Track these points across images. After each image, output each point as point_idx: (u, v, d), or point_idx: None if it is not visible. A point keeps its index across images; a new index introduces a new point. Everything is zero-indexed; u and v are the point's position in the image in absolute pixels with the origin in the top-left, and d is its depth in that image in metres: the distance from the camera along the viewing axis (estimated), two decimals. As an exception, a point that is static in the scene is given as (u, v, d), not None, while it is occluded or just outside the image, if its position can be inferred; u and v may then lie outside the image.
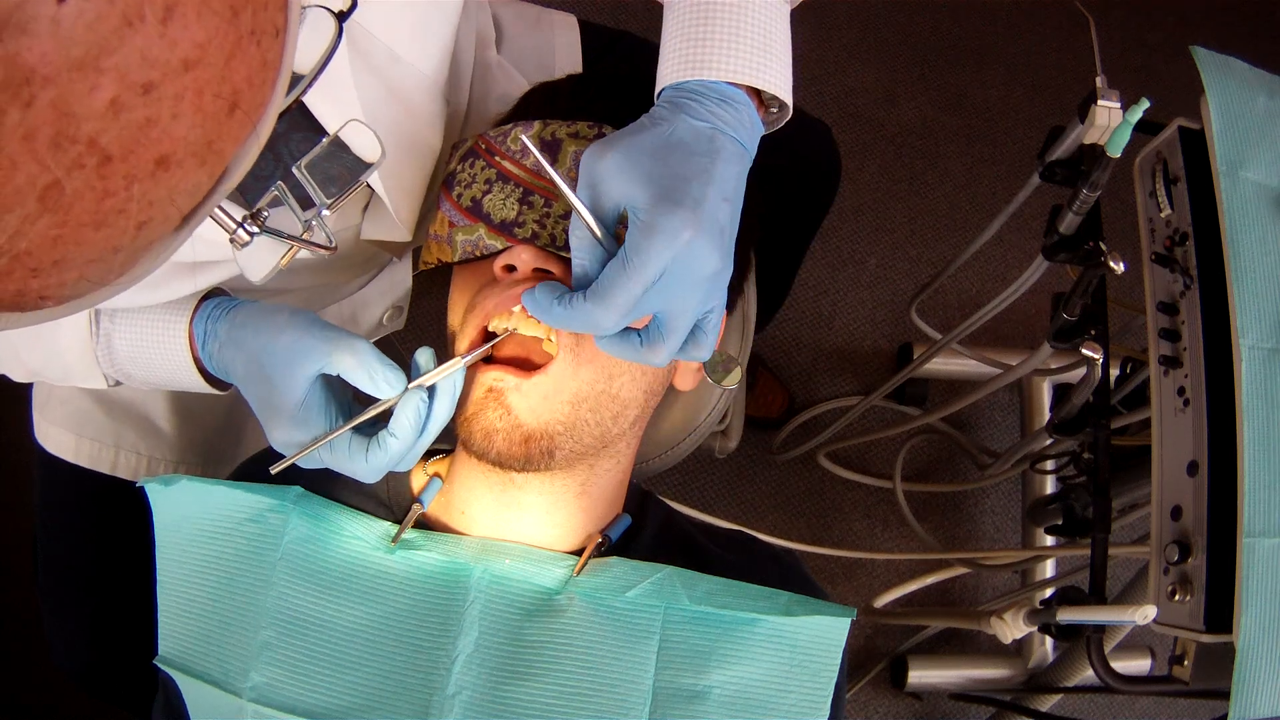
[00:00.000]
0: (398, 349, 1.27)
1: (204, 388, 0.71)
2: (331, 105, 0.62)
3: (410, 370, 0.63)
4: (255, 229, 0.51)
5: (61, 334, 0.68)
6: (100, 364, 0.70)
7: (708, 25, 0.59)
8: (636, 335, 0.58)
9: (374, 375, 0.60)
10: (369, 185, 0.74)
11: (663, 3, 0.65)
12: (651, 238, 0.53)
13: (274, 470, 0.62)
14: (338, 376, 0.62)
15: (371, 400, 0.63)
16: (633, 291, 0.54)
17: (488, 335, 0.66)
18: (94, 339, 0.69)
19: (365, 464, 0.62)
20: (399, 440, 0.61)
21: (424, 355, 0.63)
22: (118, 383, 0.73)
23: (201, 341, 0.68)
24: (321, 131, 0.61)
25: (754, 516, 1.65)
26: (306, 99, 0.63)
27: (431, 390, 0.62)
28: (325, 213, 0.59)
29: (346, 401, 0.65)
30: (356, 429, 0.62)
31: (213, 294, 0.70)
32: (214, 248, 0.64)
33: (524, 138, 0.57)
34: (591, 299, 0.54)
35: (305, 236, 0.60)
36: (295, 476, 0.70)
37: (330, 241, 0.60)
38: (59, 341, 0.69)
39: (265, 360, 0.62)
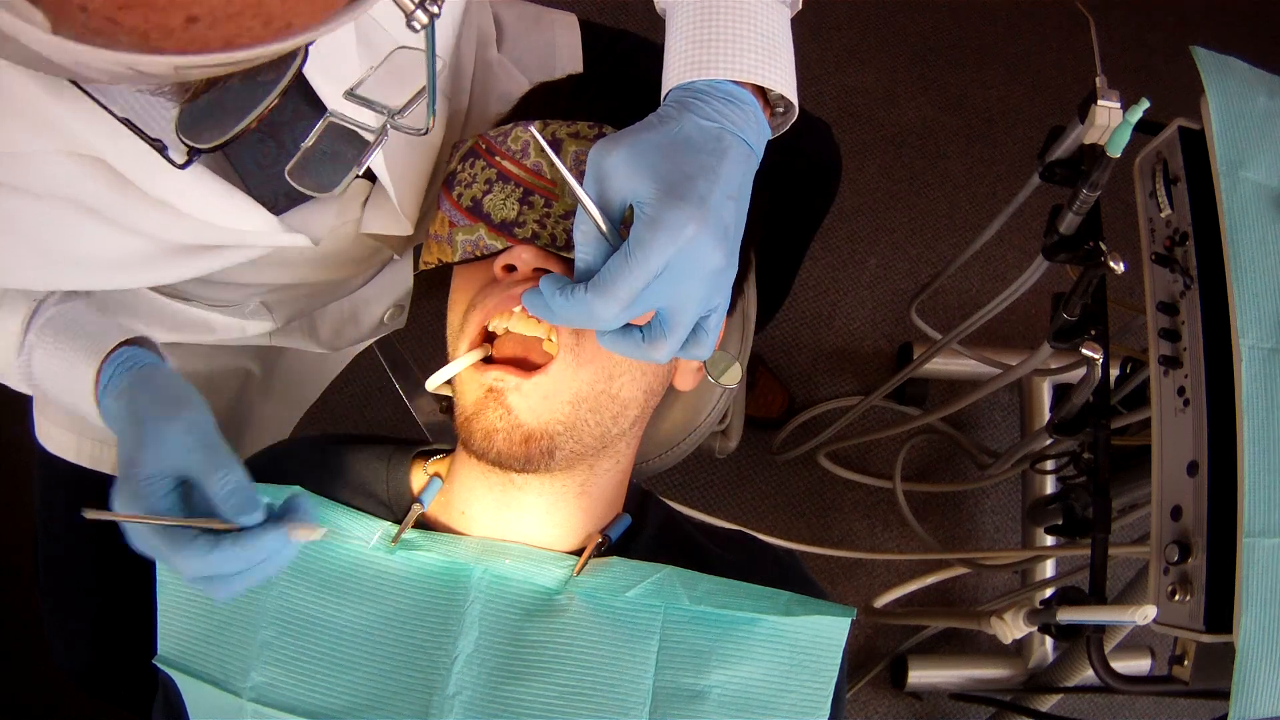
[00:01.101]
0: (398, 348, 1.27)
1: (103, 428, 0.66)
2: (335, 88, 0.62)
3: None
4: (436, 9, 0.48)
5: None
6: (22, 374, 0.68)
7: (712, 28, 0.60)
8: (638, 332, 0.58)
9: (232, 506, 0.55)
10: (370, 177, 0.74)
11: (662, 11, 0.65)
12: (655, 231, 0.53)
13: (88, 516, 0.55)
14: None
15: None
16: (634, 284, 0.54)
17: (488, 335, 0.66)
18: (19, 350, 0.67)
19: (181, 555, 0.55)
20: (223, 554, 0.54)
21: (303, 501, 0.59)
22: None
23: (103, 387, 0.64)
24: (323, 114, 0.61)
25: (754, 516, 1.65)
26: (312, 80, 0.63)
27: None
28: (399, 118, 0.58)
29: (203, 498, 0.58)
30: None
31: (130, 342, 0.66)
32: (216, 231, 0.64)
33: (531, 128, 0.57)
34: (593, 290, 0.54)
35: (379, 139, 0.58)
36: (295, 475, 0.70)
37: (423, 127, 0.58)
38: None
39: (143, 433, 0.57)
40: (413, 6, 0.47)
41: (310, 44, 0.46)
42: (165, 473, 0.56)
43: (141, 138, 0.53)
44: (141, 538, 0.57)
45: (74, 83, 0.50)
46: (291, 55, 0.48)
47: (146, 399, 0.60)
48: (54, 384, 0.67)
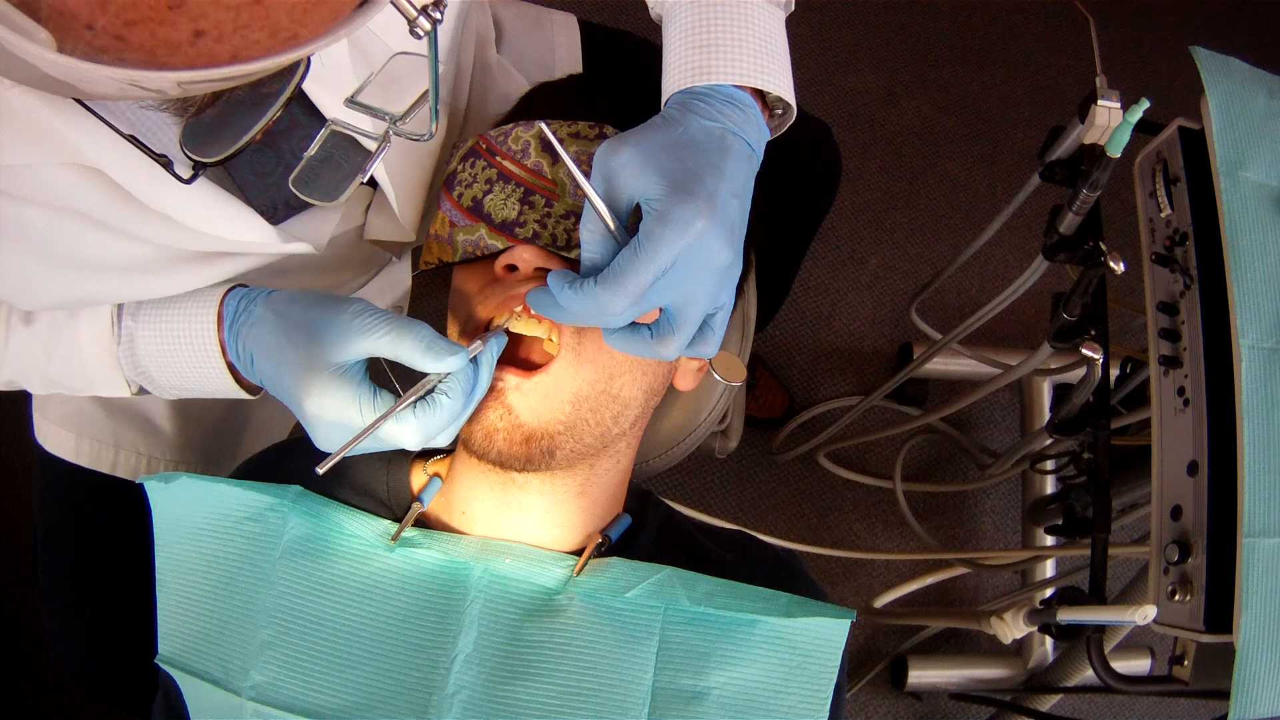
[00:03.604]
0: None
1: (229, 384, 0.69)
2: (333, 97, 0.62)
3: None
4: (439, 15, 0.49)
5: (82, 338, 0.68)
6: (123, 367, 0.69)
7: (711, 33, 0.60)
8: (646, 329, 0.58)
9: (438, 353, 0.59)
10: (371, 183, 0.74)
11: (658, 18, 0.65)
12: (665, 226, 0.54)
13: (322, 470, 0.60)
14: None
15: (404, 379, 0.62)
16: (643, 278, 0.54)
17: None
18: (115, 340, 0.68)
19: (415, 421, 0.59)
20: (450, 400, 0.60)
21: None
22: (141, 389, 0.71)
23: (230, 321, 0.66)
24: (321, 123, 0.61)
25: (754, 516, 1.65)
26: (308, 89, 0.63)
27: (474, 361, 0.62)
28: (401, 125, 0.58)
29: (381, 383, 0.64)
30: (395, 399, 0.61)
31: (238, 285, 0.69)
32: (219, 240, 0.64)
33: (543, 125, 0.58)
34: (602, 283, 0.54)
35: (378, 152, 0.59)
36: (295, 475, 0.70)
37: (425, 133, 0.59)
38: (79, 347, 0.68)
39: (318, 329, 0.60)
40: (415, 13, 0.47)
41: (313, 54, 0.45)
42: (357, 356, 0.60)
43: (147, 154, 0.53)
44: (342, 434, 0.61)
45: (78, 100, 0.50)
46: (294, 65, 0.47)
47: (299, 308, 0.63)
48: (166, 356, 0.68)
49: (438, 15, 0.47)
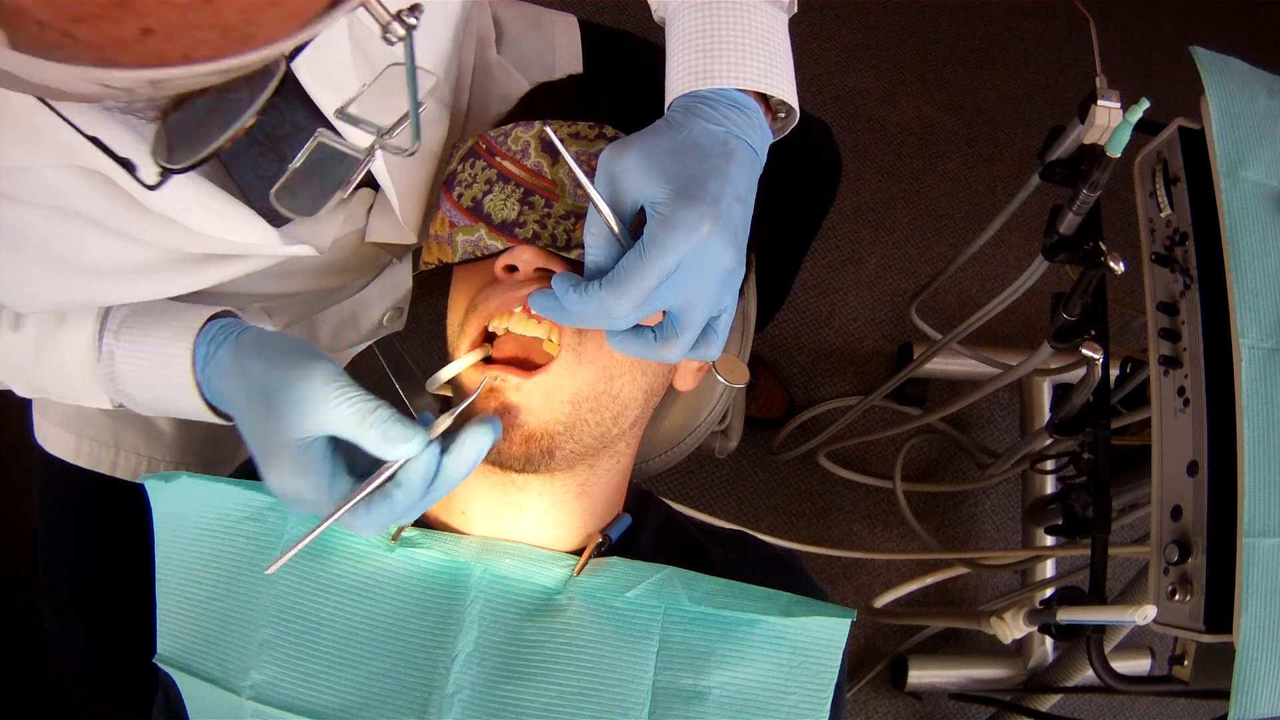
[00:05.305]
0: (398, 349, 1.27)
1: (206, 415, 0.68)
2: (335, 98, 0.62)
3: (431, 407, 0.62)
4: (414, 20, 0.46)
5: (66, 352, 0.67)
6: (102, 383, 0.68)
7: (715, 36, 0.61)
8: (650, 332, 0.58)
9: (393, 440, 0.56)
10: (374, 184, 0.74)
11: (661, 20, 0.66)
12: (670, 230, 0.54)
13: (270, 571, 0.58)
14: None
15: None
16: (648, 281, 0.54)
17: (489, 336, 0.66)
18: (97, 357, 0.67)
19: (366, 516, 0.57)
20: (404, 493, 0.57)
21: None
22: (121, 404, 0.71)
23: (201, 365, 0.65)
24: (322, 122, 0.61)
25: (754, 516, 1.65)
26: (309, 89, 0.63)
27: (446, 444, 0.59)
28: (387, 139, 0.56)
29: (346, 451, 0.60)
30: (355, 476, 0.59)
31: (219, 315, 0.68)
32: (221, 242, 0.64)
33: (548, 129, 0.58)
34: (607, 286, 0.55)
35: (370, 158, 0.57)
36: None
37: (409, 148, 0.56)
38: (63, 359, 0.68)
39: (277, 401, 0.58)
40: (389, 18, 0.44)
41: (287, 58, 0.45)
42: (315, 433, 0.57)
43: (110, 157, 0.52)
44: (312, 508, 0.58)
45: (43, 101, 0.49)
46: (268, 73, 0.46)
47: (262, 365, 0.60)
48: (144, 380, 0.67)
49: (413, 21, 0.45)
